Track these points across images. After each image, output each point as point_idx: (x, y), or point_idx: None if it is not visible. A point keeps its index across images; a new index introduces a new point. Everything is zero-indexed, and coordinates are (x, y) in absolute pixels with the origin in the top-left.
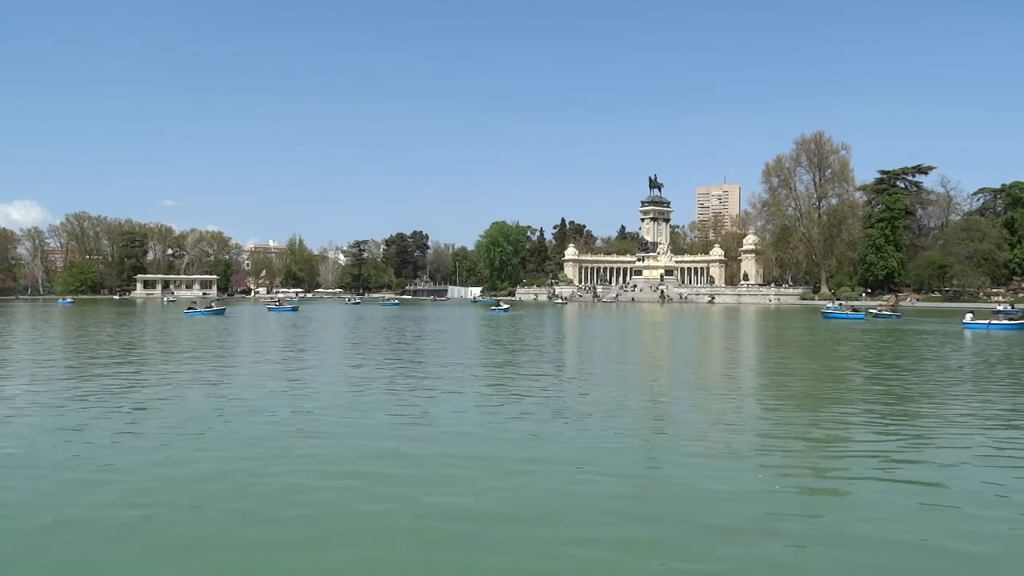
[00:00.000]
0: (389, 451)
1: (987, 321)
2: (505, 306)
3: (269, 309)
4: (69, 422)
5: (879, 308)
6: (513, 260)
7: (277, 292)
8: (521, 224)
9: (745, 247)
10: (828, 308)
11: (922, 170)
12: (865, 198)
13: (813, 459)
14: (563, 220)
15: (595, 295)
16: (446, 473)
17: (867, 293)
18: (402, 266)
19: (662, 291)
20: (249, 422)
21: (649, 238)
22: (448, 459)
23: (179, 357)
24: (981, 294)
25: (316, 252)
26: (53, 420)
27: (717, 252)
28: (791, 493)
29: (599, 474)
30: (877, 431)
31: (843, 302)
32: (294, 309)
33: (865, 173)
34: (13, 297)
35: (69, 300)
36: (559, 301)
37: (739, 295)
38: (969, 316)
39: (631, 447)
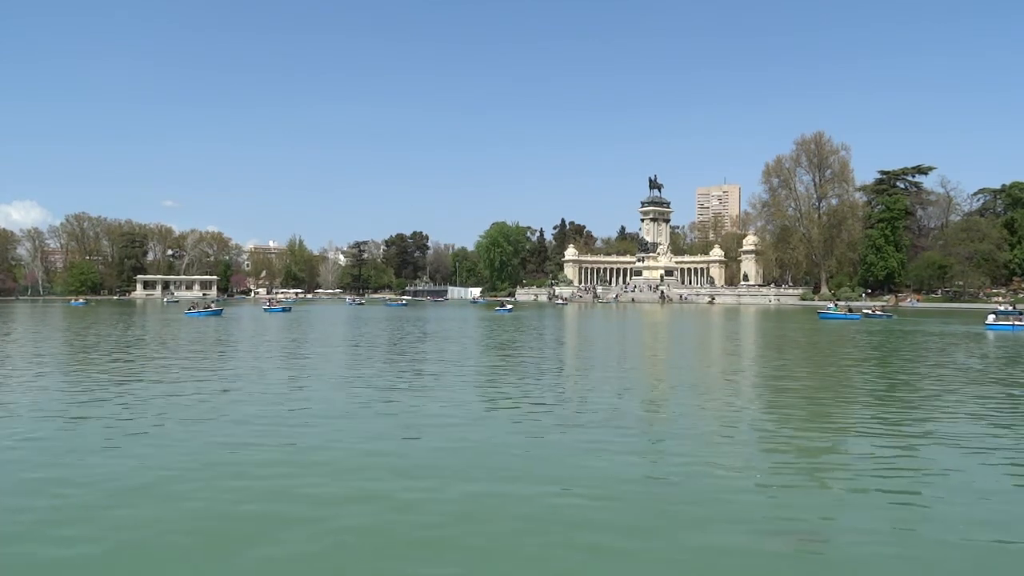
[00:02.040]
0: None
1: (1011, 322)
2: (509, 307)
3: (264, 309)
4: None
5: (872, 309)
6: (513, 261)
7: (276, 293)
8: (521, 224)
9: (745, 247)
10: (828, 308)
11: (922, 170)
12: (865, 198)
13: (820, 465)
14: (563, 220)
15: (595, 296)
16: (421, 495)
17: (867, 293)
18: (402, 266)
19: (662, 292)
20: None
21: (649, 239)
22: (432, 477)
23: (183, 357)
24: (981, 295)
25: (316, 252)
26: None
27: (717, 253)
28: (794, 499)
29: (601, 490)
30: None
31: (838, 303)
32: (286, 310)
33: (865, 173)
34: (13, 298)
35: (82, 301)
36: (559, 302)
37: (739, 296)
38: (992, 317)
39: (632, 456)
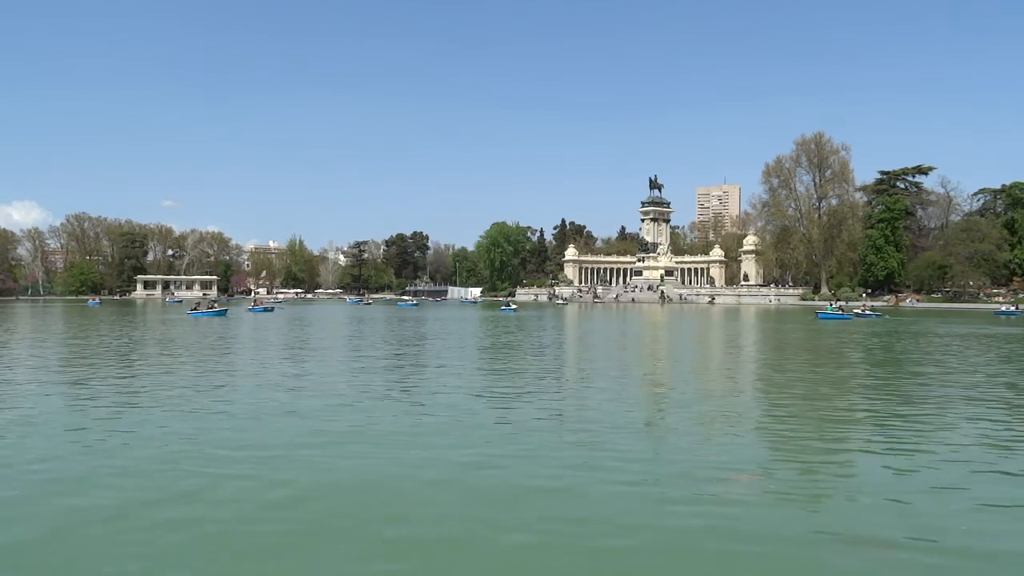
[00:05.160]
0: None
1: None
2: (514, 307)
3: (248, 309)
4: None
5: (862, 308)
6: (513, 261)
7: (277, 293)
8: (521, 224)
9: (745, 248)
10: (827, 309)
11: (922, 170)
12: (865, 199)
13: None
14: (563, 220)
15: (595, 296)
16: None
17: (867, 294)
18: (402, 266)
19: (662, 292)
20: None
21: (649, 239)
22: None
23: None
24: (981, 295)
25: (316, 252)
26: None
27: (717, 253)
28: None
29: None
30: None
31: (832, 303)
32: (268, 310)
33: (865, 173)
34: (14, 298)
35: (97, 301)
36: (559, 302)
37: (739, 296)
38: None
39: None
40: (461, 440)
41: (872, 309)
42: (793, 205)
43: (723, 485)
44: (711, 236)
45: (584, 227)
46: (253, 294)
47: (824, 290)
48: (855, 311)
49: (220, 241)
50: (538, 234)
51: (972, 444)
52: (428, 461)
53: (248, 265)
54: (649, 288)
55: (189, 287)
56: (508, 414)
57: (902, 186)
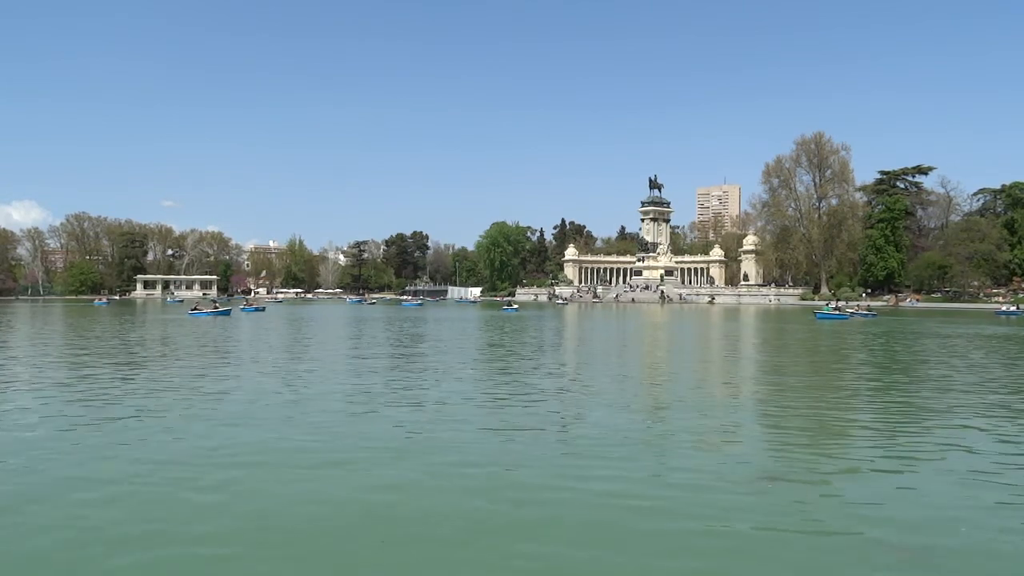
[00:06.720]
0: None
1: None
2: (515, 307)
3: (241, 309)
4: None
5: (856, 307)
6: (513, 260)
7: (277, 293)
8: (521, 224)
9: (745, 247)
10: (824, 309)
11: (922, 170)
12: (865, 199)
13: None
14: (563, 220)
15: (595, 295)
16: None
17: (867, 293)
18: (402, 266)
19: (662, 291)
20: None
21: (649, 238)
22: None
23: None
24: (981, 295)
25: (316, 252)
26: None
27: (717, 252)
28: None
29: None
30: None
31: (829, 303)
32: (260, 309)
33: (865, 173)
34: (13, 298)
35: (104, 301)
36: (559, 302)
37: (739, 296)
38: None
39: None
40: (457, 451)
41: (868, 309)
42: (793, 205)
43: (731, 489)
44: (711, 236)
45: (584, 227)
46: (252, 294)
47: (824, 290)
48: (849, 311)
49: (220, 241)
50: (538, 234)
51: (976, 445)
52: (418, 477)
53: (248, 265)
54: (649, 288)
55: (189, 287)
56: (507, 418)
57: (902, 186)
